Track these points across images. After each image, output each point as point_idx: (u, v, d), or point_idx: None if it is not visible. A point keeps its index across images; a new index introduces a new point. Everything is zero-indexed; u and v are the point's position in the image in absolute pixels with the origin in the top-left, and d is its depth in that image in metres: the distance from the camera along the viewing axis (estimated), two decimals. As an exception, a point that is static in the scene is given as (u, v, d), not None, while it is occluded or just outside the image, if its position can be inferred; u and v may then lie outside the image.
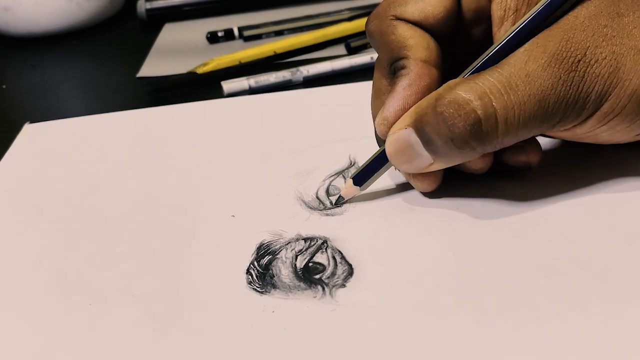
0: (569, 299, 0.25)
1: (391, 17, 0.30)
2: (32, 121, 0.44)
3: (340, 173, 0.34)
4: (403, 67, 0.29)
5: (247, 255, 0.29)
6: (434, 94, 0.28)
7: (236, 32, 0.58)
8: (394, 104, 0.29)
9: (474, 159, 0.29)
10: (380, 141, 0.31)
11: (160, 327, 0.26)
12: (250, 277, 0.28)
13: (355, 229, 0.30)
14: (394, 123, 0.29)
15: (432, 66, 0.29)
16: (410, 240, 0.29)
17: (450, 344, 0.24)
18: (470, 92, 0.26)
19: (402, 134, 0.28)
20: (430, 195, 0.31)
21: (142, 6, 0.64)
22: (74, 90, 0.54)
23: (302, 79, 0.47)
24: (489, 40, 0.30)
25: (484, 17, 0.30)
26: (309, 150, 0.36)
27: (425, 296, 0.26)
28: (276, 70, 0.47)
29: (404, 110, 0.29)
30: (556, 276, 0.26)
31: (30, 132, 0.43)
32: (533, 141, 0.31)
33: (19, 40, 0.64)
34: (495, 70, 0.27)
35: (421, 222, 0.30)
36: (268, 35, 0.57)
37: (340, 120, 0.39)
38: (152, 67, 0.53)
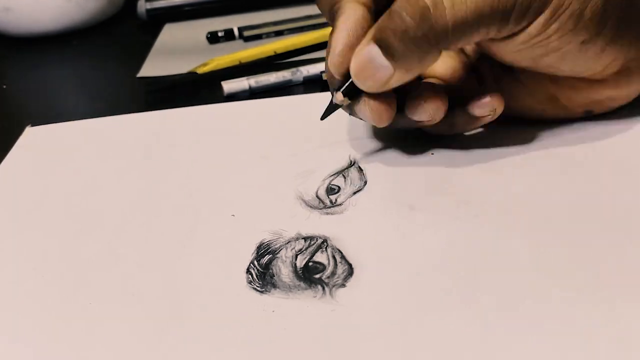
0: (569, 299, 0.25)
1: None
2: (33, 121, 0.44)
3: (340, 173, 0.34)
4: (338, 9, 0.31)
5: (247, 255, 0.29)
6: (389, 10, 0.30)
7: (236, 32, 0.58)
8: (339, 36, 0.31)
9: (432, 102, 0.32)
10: (333, 83, 0.32)
11: (160, 327, 0.26)
12: (250, 276, 0.28)
13: (355, 229, 0.30)
14: (345, 54, 0.31)
15: (362, 4, 0.31)
16: (410, 240, 0.29)
17: (450, 343, 0.24)
18: None
19: (363, 50, 0.30)
20: (430, 194, 0.31)
21: (142, 6, 0.64)
22: (74, 90, 0.54)
23: (302, 79, 0.47)
24: None
25: None
26: (310, 152, 0.36)
27: (425, 296, 0.26)
28: (276, 70, 0.47)
29: (349, 38, 0.31)
30: (556, 275, 0.26)
31: (32, 135, 0.43)
32: (496, 91, 0.33)
33: (20, 40, 0.64)
34: None
35: (421, 222, 0.30)
36: (268, 35, 0.57)
37: (340, 122, 0.39)
38: (152, 67, 0.53)
